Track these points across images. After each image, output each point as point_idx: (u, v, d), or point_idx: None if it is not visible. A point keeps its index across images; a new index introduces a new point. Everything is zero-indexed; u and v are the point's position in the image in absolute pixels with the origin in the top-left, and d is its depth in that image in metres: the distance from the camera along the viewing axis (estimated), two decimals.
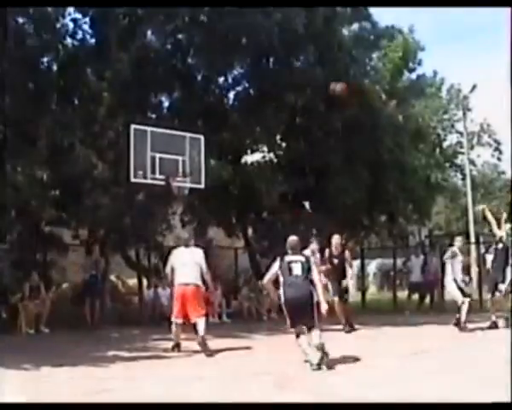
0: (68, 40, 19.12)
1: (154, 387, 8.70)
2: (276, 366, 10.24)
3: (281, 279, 10.54)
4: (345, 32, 22.12)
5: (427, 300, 22.88)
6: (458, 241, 16.03)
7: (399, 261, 25.87)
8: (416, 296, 22.61)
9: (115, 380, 9.30)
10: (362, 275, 28.02)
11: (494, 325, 15.06)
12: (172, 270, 12.39)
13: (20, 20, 17.92)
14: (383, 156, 21.82)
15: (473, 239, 37.72)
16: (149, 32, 20.14)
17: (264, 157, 22.24)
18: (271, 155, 22.33)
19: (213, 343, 13.48)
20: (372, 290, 34.12)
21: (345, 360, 10.56)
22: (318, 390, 8.04)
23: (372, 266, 37.03)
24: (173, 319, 12.10)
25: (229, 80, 21.39)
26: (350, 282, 15.50)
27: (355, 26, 22.78)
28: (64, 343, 13.91)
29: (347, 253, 15.74)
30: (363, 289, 27.60)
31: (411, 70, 25.65)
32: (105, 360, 11.31)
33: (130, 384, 8.96)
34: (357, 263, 33.20)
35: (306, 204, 22.19)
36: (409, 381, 8.66)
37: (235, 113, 19.69)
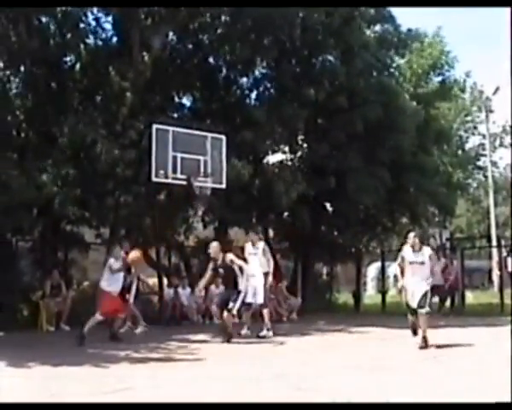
0: (91, 40, 19.18)
1: (173, 386, 8.71)
2: (293, 367, 10.24)
3: None
4: (367, 32, 22.02)
5: (448, 303, 22.71)
6: (410, 238, 12.80)
7: None
8: (436, 299, 22.48)
9: (134, 378, 9.32)
10: (382, 277, 27.91)
11: None
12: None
13: (44, 20, 18.01)
14: (405, 157, 21.74)
15: (494, 242, 37.56)
16: (171, 32, 20.18)
17: (285, 157, 22.18)
18: (292, 155, 22.30)
19: (233, 344, 13.55)
20: (392, 293, 33.94)
21: (361, 361, 10.56)
22: (333, 392, 8.01)
23: (392, 269, 36.87)
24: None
25: (251, 80, 21.40)
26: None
27: (377, 27, 22.69)
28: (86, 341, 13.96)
29: (229, 257, 14.14)
30: (383, 291, 27.52)
31: (439, 74, 25.49)
32: (124, 359, 11.36)
33: (149, 383, 8.98)
34: (377, 265, 33.18)
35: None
36: (417, 383, 8.65)
37: (256, 112, 19.64)
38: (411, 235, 12.79)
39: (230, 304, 13.86)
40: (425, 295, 12.31)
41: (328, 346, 13.40)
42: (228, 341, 13.80)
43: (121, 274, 14.22)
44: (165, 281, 20.58)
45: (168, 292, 19.96)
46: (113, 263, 14.09)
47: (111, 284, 14.07)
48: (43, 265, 18.62)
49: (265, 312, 15.46)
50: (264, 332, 15.06)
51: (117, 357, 11.56)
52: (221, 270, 14.24)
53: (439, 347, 12.09)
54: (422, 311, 12.23)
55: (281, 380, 9.00)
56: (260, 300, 15.51)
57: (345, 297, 26.82)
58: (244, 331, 15.26)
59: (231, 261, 14.02)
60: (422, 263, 12.50)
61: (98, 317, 13.79)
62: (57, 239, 18.96)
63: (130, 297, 15.35)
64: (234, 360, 11.55)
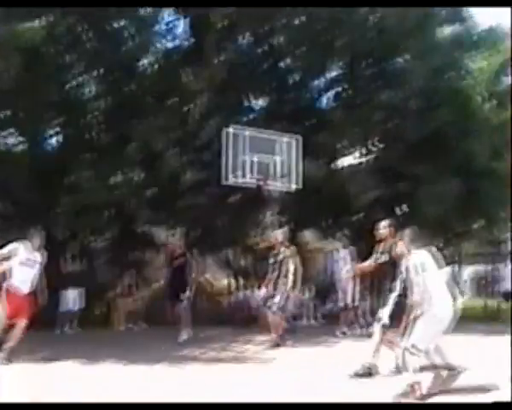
0: (165, 43, 19.44)
1: (248, 385, 8.80)
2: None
3: None
4: (442, 33, 21.67)
5: None
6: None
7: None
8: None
9: (210, 378, 9.44)
10: (456, 282, 27.45)
11: None
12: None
13: (118, 25, 18.30)
14: (477, 161, 21.34)
15: None
16: (244, 35, 20.29)
17: (359, 160, 22.02)
18: (366, 157, 22.13)
19: (305, 344, 13.56)
20: (466, 297, 33.47)
21: None
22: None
23: (466, 273, 36.36)
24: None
25: (325, 82, 21.30)
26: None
27: (453, 27, 22.29)
28: (157, 340, 14.17)
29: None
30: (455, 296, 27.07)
31: None
32: (195, 359, 11.50)
33: (224, 382, 9.08)
34: (451, 269, 32.71)
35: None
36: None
37: (329, 114, 19.60)
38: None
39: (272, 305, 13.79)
40: None
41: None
42: (278, 344, 13.63)
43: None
44: (235, 283, 20.73)
45: (238, 294, 20.07)
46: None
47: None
48: (117, 265, 18.92)
49: (344, 314, 15.64)
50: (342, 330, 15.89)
51: (188, 357, 11.70)
52: (272, 260, 14.12)
53: None
54: None
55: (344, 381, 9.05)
56: (347, 300, 15.89)
57: None
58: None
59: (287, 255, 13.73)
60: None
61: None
62: (131, 239, 19.25)
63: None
64: (298, 361, 11.53)
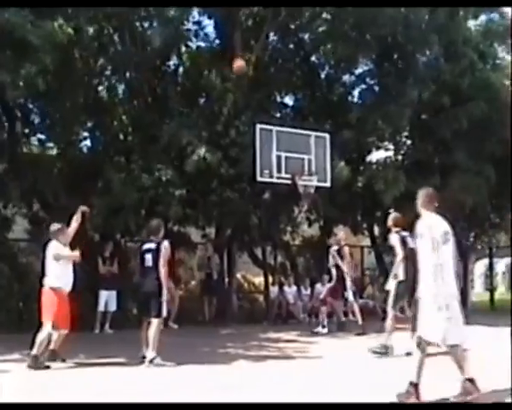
0: (193, 43, 19.51)
1: (290, 382, 8.78)
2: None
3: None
4: (471, 24, 21.47)
5: None
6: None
7: None
8: None
9: (250, 376, 9.43)
10: (490, 274, 27.32)
11: None
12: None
13: (146, 25, 18.36)
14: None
15: None
16: (272, 33, 20.26)
17: (389, 154, 21.94)
18: (396, 152, 22.03)
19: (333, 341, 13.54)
20: (501, 290, 33.29)
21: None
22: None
23: (501, 265, 36.11)
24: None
25: (354, 77, 21.23)
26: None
27: (482, 18, 22.06)
28: (191, 339, 14.15)
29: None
30: (491, 288, 26.99)
31: None
32: (238, 357, 11.49)
33: (265, 380, 9.06)
34: (484, 262, 32.48)
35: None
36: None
37: (359, 110, 19.51)
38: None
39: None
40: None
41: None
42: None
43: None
44: (270, 280, 20.76)
45: (273, 291, 20.08)
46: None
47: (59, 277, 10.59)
48: None
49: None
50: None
51: (230, 355, 11.70)
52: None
53: None
54: None
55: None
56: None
57: None
58: None
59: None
60: None
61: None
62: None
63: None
64: (327, 359, 11.47)
